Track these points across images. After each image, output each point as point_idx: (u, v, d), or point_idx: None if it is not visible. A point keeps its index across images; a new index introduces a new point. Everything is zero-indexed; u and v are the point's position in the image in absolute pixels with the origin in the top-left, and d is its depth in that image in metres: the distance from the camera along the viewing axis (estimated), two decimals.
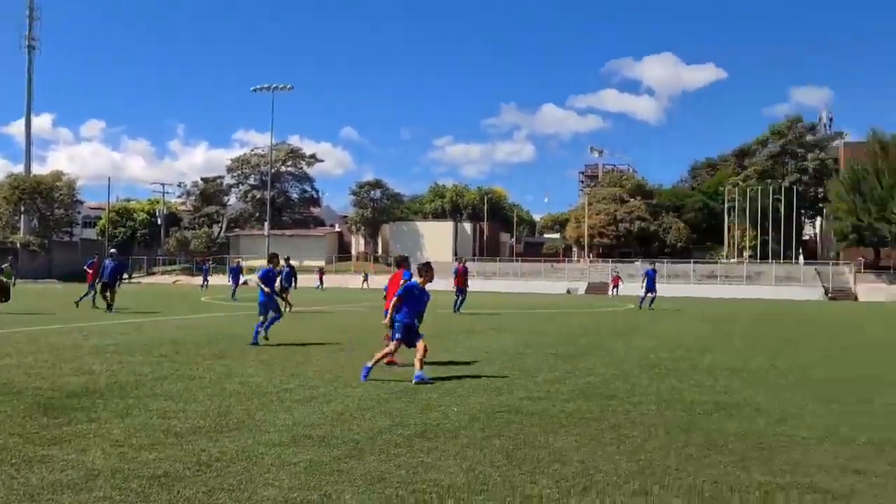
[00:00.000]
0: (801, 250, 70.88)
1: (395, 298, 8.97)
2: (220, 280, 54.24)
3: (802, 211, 76.04)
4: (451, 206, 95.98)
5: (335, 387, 8.26)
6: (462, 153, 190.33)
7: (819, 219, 78.83)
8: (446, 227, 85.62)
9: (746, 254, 70.66)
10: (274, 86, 75.38)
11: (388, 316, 8.94)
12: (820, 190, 74.18)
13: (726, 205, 72.98)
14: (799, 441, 5.96)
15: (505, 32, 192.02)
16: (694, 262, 66.31)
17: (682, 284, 57.33)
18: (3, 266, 38.36)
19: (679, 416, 6.89)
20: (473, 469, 4.96)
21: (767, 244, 69.15)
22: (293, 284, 24.17)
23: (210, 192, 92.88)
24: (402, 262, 10.89)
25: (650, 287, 29.69)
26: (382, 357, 8.94)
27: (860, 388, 8.89)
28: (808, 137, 78.38)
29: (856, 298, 53.67)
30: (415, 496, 4.36)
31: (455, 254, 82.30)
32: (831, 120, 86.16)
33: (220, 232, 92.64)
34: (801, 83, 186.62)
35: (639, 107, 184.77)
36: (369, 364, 8.78)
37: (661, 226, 78.50)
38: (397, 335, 8.84)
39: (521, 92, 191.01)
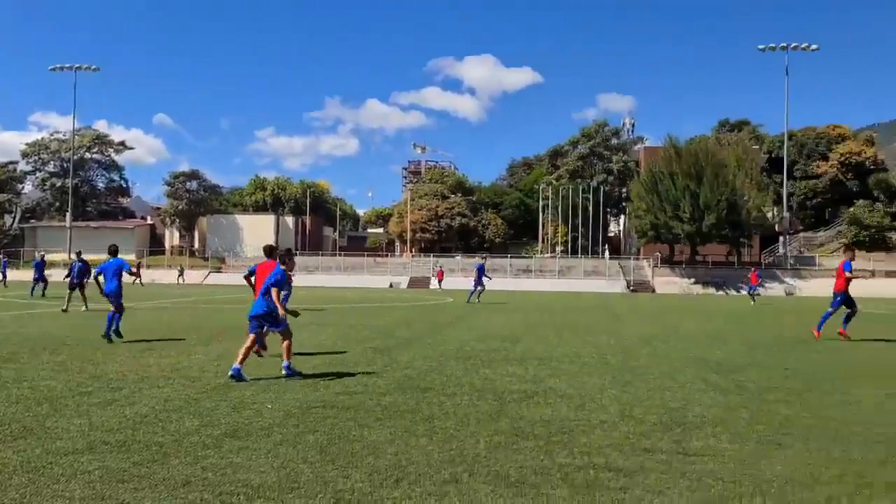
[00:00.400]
0: (606, 246, 75.92)
1: (275, 286, 8.67)
2: (22, 275, 49.48)
3: (608, 209, 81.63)
4: (272, 199, 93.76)
5: (140, 388, 7.80)
6: (285, 145, 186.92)
7: (623, 217, 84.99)
8: (267, 220, 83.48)
9: (559, 249, 74.74)
10: (77, 66, 69.89)
11: (281, 306, 8.63)
12: (623, 190, 80.00)
13: (541, 202, 76.61)
14: (597, 424, 6.38)
15: (329, 27, 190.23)
16: (511, 257, 69.07)
17: (499, 278, 59.53)
18: None
19: (490, 406, 7.14)
20: (285, 466, 4.87)
21: (577, 240, 73.57)
22: (87, 280, 22.44)
23: (1, 180, 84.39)
24: (273, 253, 10.91)
25: (479, 280, 30.58)
26: (289, 349, 8.73)
27: (653, 373, 9.65)
28: (614, 141, 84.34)
29: (653, 290, 58.37)
30: (221, 499, 4.20)
31: (276, 248, 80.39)
32: (633, 125, 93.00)
33: (13, 223, 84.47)
34: (607, 90, 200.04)
35: (461, 105, 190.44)
36: (287, 361, 8.63)
37: (481, 222, 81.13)
38: (287, 323, 8.72)
39: (345, 86, 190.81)
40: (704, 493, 4.48)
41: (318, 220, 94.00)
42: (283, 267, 8.94)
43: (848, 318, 14.80)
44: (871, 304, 31.30)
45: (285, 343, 8.70)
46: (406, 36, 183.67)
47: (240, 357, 8.44)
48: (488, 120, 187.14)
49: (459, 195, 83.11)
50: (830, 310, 14.87)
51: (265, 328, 8.89)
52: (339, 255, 74.90)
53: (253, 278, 11.36)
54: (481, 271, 30.87)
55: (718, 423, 6.44)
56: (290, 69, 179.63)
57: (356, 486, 4.49)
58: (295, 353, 10.62)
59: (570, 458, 5.22)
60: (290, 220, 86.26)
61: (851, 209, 70.20)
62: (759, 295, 40.33)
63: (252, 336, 8.72)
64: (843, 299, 14.71)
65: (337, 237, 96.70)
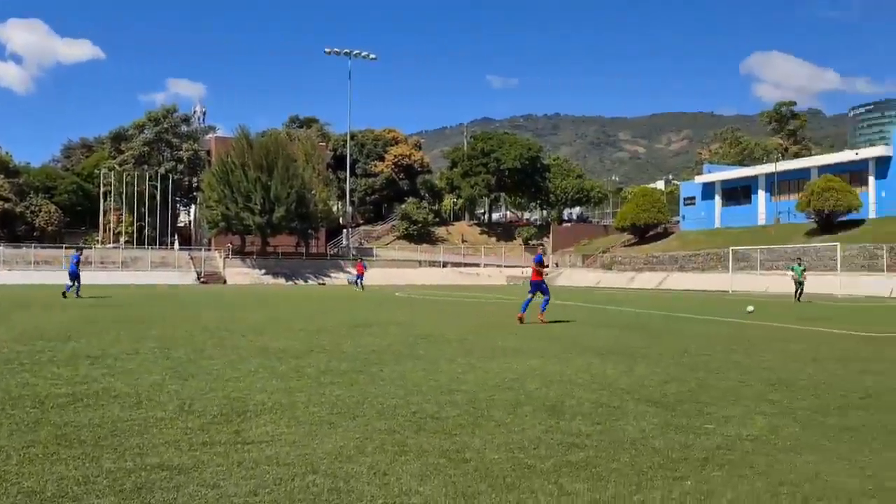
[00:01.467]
0: (176, 236, 73.24)
1: None
2: None
3: (178, 198, 78.81)
4: None
5: None
6: None
7: (193, 206, 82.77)
8: None
9: (123, 239, 69.96)
10: None
11: None
12: (195, 179, 77.92)
13: (102, 189, 71.01)
14: (153, 422, 6.05)
15: None
16: (66, 248, 62.45)
17: (52, 271, 53.51)
18: None
19: (28, 413, 6.31)
20: None
21: (144, 230, 69.69)
22: None
23: None
24: None
25: (73, 272, 28.63)
26: None
27: (218, 364, 9.51)
28: (184, 128, 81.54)
29: (225, 282, 58.02)
30: None
31: None
32: (205, 113, 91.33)
33: None
34: (178, 75, 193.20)
35: (4, 74, 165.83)
36: None
37: (30, 208, 72.16)
38: None
39: None
40: (260, 479, 4.54)
41: None
42: None
43: (545, 305, 17.05)
44: (410, 290, 35.50)
45: None
46: None
47: None
48: (39, 93, 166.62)
49: (2, 177, 72.58)
50: (529, 296, 17.09)
51: None
52: None
53: None
54: (74, 263, 29.09)
55: (278, 409, 6.61)
56: None
57: None
58: None
59: (121, 462, 4.85)
60: None
61: (403, 206, 78.70)
62: (364, 285, 43.04)
63: None
64: (538, 287, 16.98)
65: None
